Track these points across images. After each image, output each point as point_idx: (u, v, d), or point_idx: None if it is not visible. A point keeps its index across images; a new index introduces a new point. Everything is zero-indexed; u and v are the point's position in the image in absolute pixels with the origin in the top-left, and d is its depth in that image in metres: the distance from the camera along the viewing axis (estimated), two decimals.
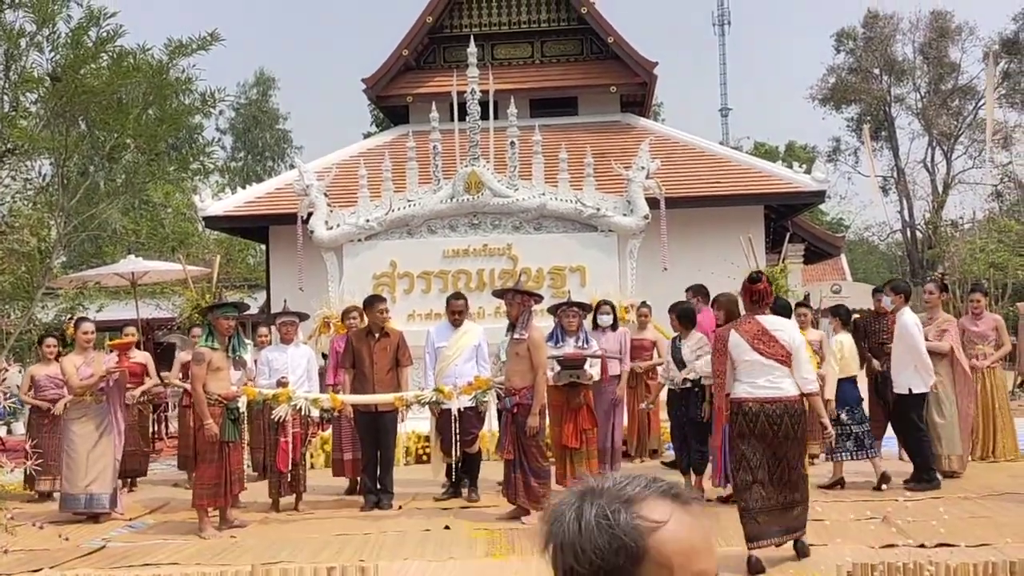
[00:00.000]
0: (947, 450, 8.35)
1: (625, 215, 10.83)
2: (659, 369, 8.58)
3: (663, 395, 8.42)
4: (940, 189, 35.42)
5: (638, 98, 17.94)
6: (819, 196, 15.25)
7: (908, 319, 7.99)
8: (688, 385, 7.93)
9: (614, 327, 8.95)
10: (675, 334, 8.27)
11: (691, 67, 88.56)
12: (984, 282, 13.63)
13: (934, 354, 8.35)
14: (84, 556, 6.59)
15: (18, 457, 7.88)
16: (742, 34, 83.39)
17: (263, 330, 10.48)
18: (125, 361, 8.29)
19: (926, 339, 8.20)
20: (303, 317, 9.05)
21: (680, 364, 7.97)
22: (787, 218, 16.20)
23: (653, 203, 10.81)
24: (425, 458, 9.31)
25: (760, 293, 6.00)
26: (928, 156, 36.16)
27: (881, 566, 4.48)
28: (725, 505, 7.77)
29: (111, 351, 8.38)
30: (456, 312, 8.39)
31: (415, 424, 9.38)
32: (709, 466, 7.95)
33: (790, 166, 15.52)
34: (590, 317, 8.82)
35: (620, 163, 11.40)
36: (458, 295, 8.72)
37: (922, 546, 5.83)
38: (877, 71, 36.05)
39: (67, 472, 7.95)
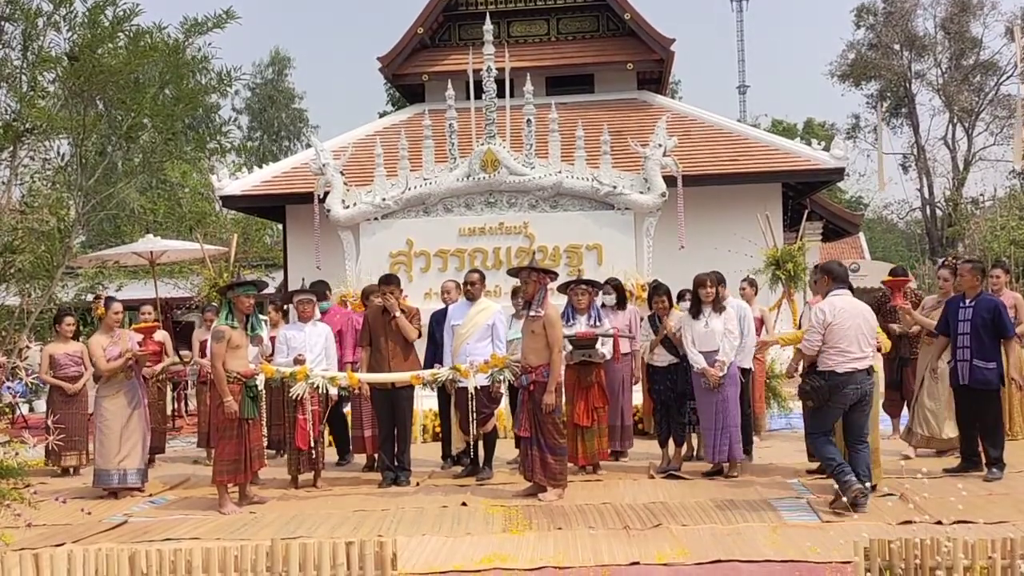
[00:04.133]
0: (930, 432, 8.35)
1: (642, 193, 10.80)
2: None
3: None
4: (961, 166, 35.06)
5: (655, 75, 17.82)
6: (838, 174, 15.11)
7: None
8: (675, 361, 8.18)
9: (622, 305, 8.95)
10: (650, 312, 8.50)
11: (709, 44, 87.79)
12: (1005, 260, 13.52)
13: (934, 335, 8.32)
14: (106, 531, 6.68)
15: (40, 433, 7.97)
16: (760, 10, 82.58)
17: (269, 308, 10.51)
18: (150, 344, 8.40)
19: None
20: (321, 295, 9.06)
21: (665, 342, 8.24)
22: (805, 196, 16.10)
23: (670, 181, 10.78)
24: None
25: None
26: (949, 133, 35.78)
27: (898, 542, 4.47)
28: (710, 480, 7.83)
29: (132, 332, 8.47)
30: (468, 284, 8.42)
31: (432, 402, 9.42)
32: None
33: (808, 143, 15.39)
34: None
35: (637, 141, 11.35)
36: (473, 271, 8.75)
37: (939, 523, 5.82)
38: (897, 47, 35.57)
39: (100, 448, 8.04)
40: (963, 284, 7.90)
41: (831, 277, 6.84)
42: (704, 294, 7.85)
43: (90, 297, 15.57)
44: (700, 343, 7.84)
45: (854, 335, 6.52)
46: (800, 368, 7.29)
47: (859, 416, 6.61)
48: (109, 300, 8.59)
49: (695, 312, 7.92)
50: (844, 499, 6.25)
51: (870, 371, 6.60)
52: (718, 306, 7.87)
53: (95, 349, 8.13)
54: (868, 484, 6.54)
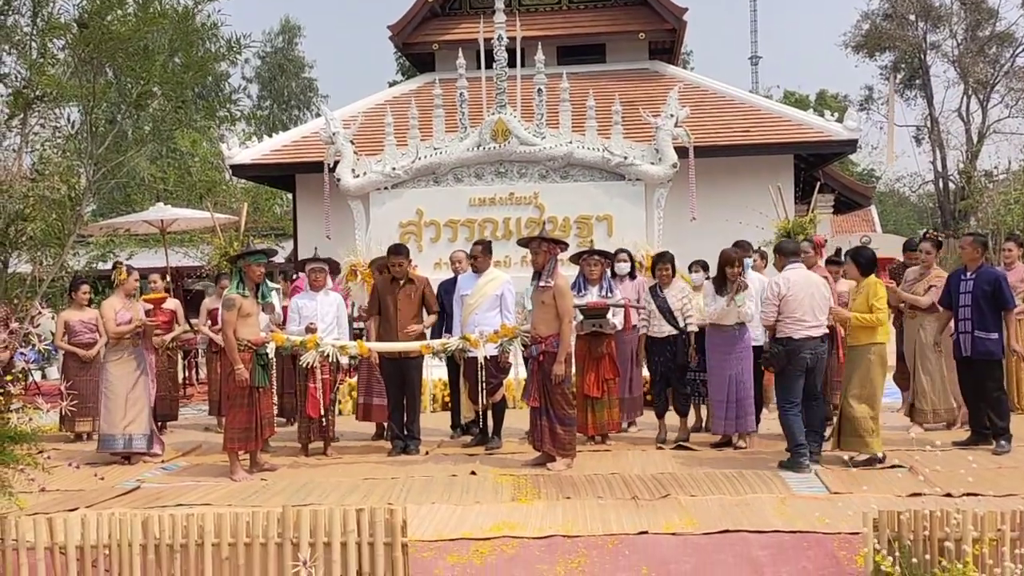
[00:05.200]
0: (931, 405, 8.32)
1: (653, 164, 10.73)
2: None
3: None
4: (975, 139, 34.73)
5: (667, 45, 17.64)
6: (850, 145, 14.98)
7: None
8: (675, 332, 8.20)
9: (632, 276, 8.94)
10: (654, 282, 8.50)
11: (721, 14, 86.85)
12: (1018, 233, 13.43)
13: (921, 309, 8.31)
14: (119, 496, 6.75)
15: (53, 400, 8.05)
16: None
17: (279, 278, 10.55)
18: (160, 315, 8.43)
19: (916, 295, 8.33)
20: (334, 265, 9.07)
21: (666, 313, 8.20)
22: (817, 168, 15.98)
23: (681, 152, 10.70)
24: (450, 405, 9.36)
25: None
26: (963, 105, 35.39)
27: (907, 514, 4.48)
28: (718, 451, 7.85)
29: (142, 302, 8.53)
30: (472, 257, 8.44)
31: (441, 372, 9.45)
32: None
33: (821, 115, 15.26)
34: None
35: (648, 111, 11.26)
36: (478, 242, 8.72)
37: (949, 495, 5.83)
38: (913, 17, 35.11)
39: (105, 413, 8.10)
40: (964, 257, 7.99)
41: (782, 254, 7.61)
42: (731, 273, 7.73)
43: (101, 265, 15.64)
44: (718, 319, 7.78)
45: (808, 305, 7.11)
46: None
47: (814, 379, 7.23)
48: (130, 268, 8.64)
49: (719, 289, 7.85)
50: (790, 464, 7.05)
51: (823, 339, 7.19)
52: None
53: (107, 311, 8.17)
54: (823, 438, 7.35)
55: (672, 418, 8.38)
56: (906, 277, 8.71)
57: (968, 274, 7.80)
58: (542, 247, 7.49)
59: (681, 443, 8.09)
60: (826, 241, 9.45)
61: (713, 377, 7.91)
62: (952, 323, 7.92)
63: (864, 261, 7.26)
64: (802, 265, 7.49)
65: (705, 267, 8.78)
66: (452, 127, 11.34)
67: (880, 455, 7.02)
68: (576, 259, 8.49)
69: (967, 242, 7.98)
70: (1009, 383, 8.86)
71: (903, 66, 35.75)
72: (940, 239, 8.52)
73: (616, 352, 8.21)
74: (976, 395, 7.75)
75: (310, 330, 8.08)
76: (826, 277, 8.03)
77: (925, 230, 8.85)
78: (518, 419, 8.72)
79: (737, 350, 7.80)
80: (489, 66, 11.13)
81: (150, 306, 8.53)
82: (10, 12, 8.32)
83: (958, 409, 8.28)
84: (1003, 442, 7.51)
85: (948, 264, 17.98)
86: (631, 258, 9.04)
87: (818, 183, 14.12)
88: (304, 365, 7.97)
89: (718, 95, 16.05)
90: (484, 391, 7.98)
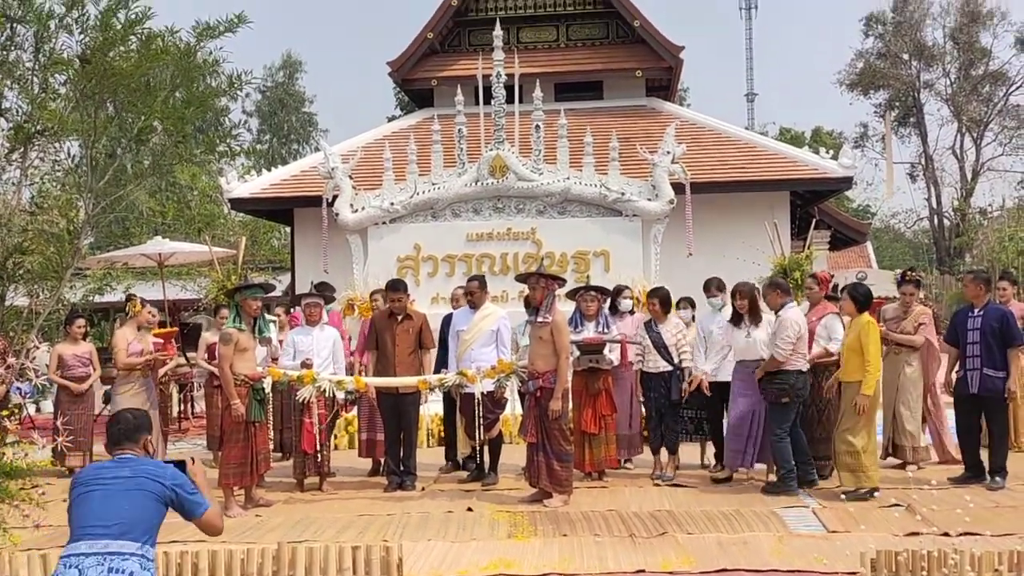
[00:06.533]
0: (911, 441, 8.29)
1: (650, 200, 10.79)
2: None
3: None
4: (969, 176, 34.98)
5: (664, 82, 17.80)
6: (846, 182, 15.08)
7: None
8: (669, 368, 8.17)
9: (631, 311, 8.97)
10: (648, 318, 8.47)
11: (717, 51, 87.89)
12: (1013, 271, 13.47)
13: (905, 346, 8.32)
14: None
15: (47, 434, 8.00)
16: (769, 18, 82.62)
17: (278, 310, 10.53)
18: (171, 349, 8.46)
19: (904, 332, 8.31)
20: (329, 299, 9.07)
21: (661, 348, 8.17)
22: (813, 204, 16.05)
23: (678, 188, 10.77)
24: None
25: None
26: (957, 143, 35.69)
27: (905, 554, 4.46)
28: (716, 487, 7.81)
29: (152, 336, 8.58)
30: (467, 293, 8.46)
31: (438, 407, 9.42)
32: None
33: (816, 152, 15.37)
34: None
35: (645, 147, 11.35)
36: (473, 278, 8.74)
37: (946, 535, 5.80)
38: (906, 56, 35.54)
39: None
40: (968, 294, 8.04)
41: (782, 291, 7.75)
42: (737, 305, 7.81)
43: (98, 298, 15.64)
44: (741, 353, 7.81)
45: (805, 341, 7.60)
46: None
47: (800, 408, 7.67)
48: (144, 300, 8.67)
49: (736, 321, 7.89)
50: (775, 485, 7.51)
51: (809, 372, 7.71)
52: (755, 316, 7.82)
53: (119, 341, 8.18)
54: (812, 463, 7.69)
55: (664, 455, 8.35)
56: (884, 315, 8.71)
57: (976, 311, 7.82)
58: (540, 282, 7.51)
59: (660, 478, 8.09)
60: (832, 276, 9.49)
61: (735, 410, 7.88)
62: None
63: (860, 298, 7.32)
64: (794, 304, 7.75)
65: (692, 304, 8.84)
66: (450, 162, 11.41)
67: (867, 490, 7.01)
68: (572, 295, 8.50)
69: (969, 280, 8.05)
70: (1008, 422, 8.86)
71: (897, 104, 36.11)
72: (919, 277, 8.61)
73: (614, 388, 8.20)
74: (976, 433, 7.76)
75: (306, 365, 8.06)
76: (836, 313, 8.02)
77: (902, 271, 8.88)
78: (514, 455, 8.68)
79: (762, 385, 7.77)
80: (487, 102, 11.23)
81: (160, 340, 8.56)
82: (12, 47, 8.40)
83: (927, 449, 8.38)
84: (998, 479, 7.51)
85: (944, 300, 17.98)
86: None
87: (814, 219, 14.18)
88: (300, 400, 7.94)
89: (714, 132, 16.17)
90: (481, 427, 7.96)
